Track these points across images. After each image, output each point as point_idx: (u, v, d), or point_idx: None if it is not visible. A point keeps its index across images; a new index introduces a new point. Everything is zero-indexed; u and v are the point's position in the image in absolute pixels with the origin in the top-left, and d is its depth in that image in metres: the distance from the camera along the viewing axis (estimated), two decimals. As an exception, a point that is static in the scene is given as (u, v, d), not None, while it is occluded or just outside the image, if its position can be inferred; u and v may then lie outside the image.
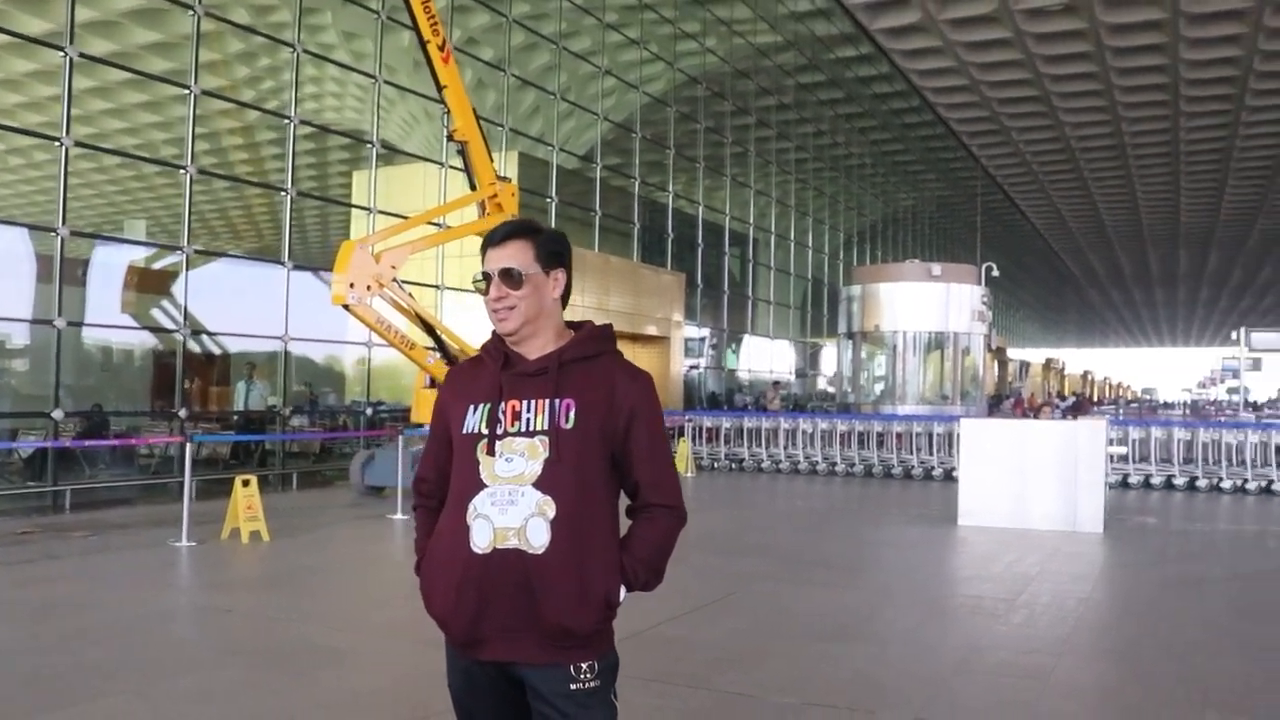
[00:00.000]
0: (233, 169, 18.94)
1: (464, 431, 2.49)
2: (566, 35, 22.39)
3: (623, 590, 2.47)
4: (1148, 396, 63.22)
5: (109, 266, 16.39)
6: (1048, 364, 58.57)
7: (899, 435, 18.68)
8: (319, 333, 16.81)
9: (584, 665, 2.41)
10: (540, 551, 2.35)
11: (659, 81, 26.18)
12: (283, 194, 16.08)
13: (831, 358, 36.59)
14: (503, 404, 2.46)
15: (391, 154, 18.10)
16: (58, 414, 12.28)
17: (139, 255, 17.51)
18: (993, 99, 33.66)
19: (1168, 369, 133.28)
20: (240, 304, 16.58)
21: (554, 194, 21.45)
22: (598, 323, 2.63)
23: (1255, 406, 36.64)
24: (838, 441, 19.09)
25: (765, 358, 32.27)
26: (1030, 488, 11.74)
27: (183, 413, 14.04)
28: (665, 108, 26.29)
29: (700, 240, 27.71)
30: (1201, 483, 16.55)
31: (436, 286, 18.33)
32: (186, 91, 14.48)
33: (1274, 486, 16.20)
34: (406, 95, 18.81)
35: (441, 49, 14.49)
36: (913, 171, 44.05)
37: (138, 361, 16.65)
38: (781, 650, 6.25)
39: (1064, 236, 56.64)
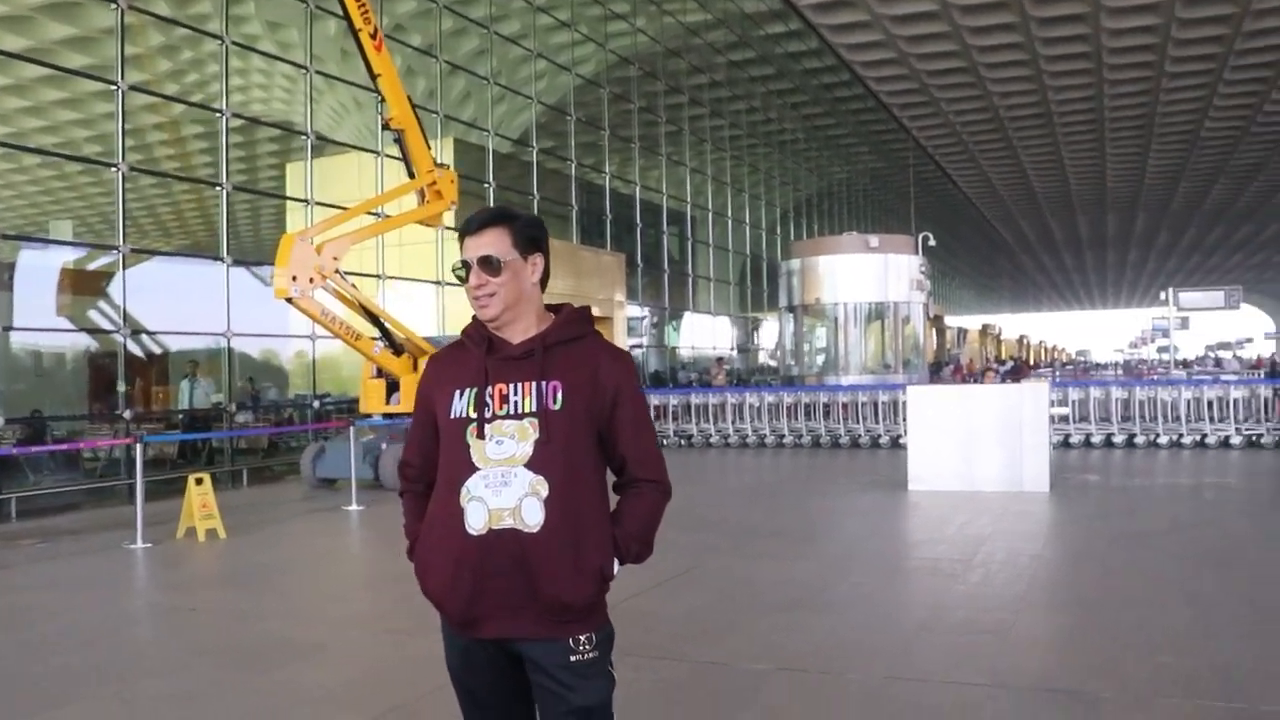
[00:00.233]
0: (158, 165, 18.62)
1: (451, 416, 2.53)
2: (496, 19, 22.27)
3: (615, 563, 2.54)
4: (1082, 358, 64.45)
5: (37, 269, 16.08)
6: (984, 330, 59.46)
7: (845, 405, 18.93)
8: (256, 327, 16.60)
9: (582, 638, 2.48)
10: (535, 530, 2.41)
11: (590, 63, 26.14)
12: (218, 189, 15.82)
13: (770, 332, 36.88)
14: (489, 388, 2.51)
15: (323, 144, 17.91)
16: (-2, 421, 12.08)
17: (69, 256, 17.21)
18: (921, 71, 33.98)
19: (1100, 330, 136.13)
20: (177, 302, 16.34)
21: (491, 179, 21.36)
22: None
23: (1185, 364, 37.49)
24: (785, 414, 19.29)
25: (707, 334, 32.44)
26: (977, 451, 11.99)
27: (127, 414, 13.83)
28: (598, 89, 26.27)
29: (639, 220, 27.75)
30: (1139, 439, 17.00)
31: (378, 276, 18.20)
32: (112, 87, 14.14)
33: (1207, 440, 16.67)
34: (335, 85, 18.60)
35: (374, 37, 14.36)
36: (845, 145, 44.39)
37: (70, 365, 16.37)
38: (748, 619, 6.37)
39: (995, 204, 57.44)
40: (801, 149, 41.20)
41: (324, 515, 11.86)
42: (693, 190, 31.44)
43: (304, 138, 17.38)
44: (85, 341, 16.65)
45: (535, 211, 22.59)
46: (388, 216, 16.07)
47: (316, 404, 17.08)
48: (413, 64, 20.39)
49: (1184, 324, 31.41)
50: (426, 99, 19.87)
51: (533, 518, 2.41)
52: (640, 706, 4.54)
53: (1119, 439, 17.12)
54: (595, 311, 23.90)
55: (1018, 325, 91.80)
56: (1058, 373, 37.81)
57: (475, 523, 2.43)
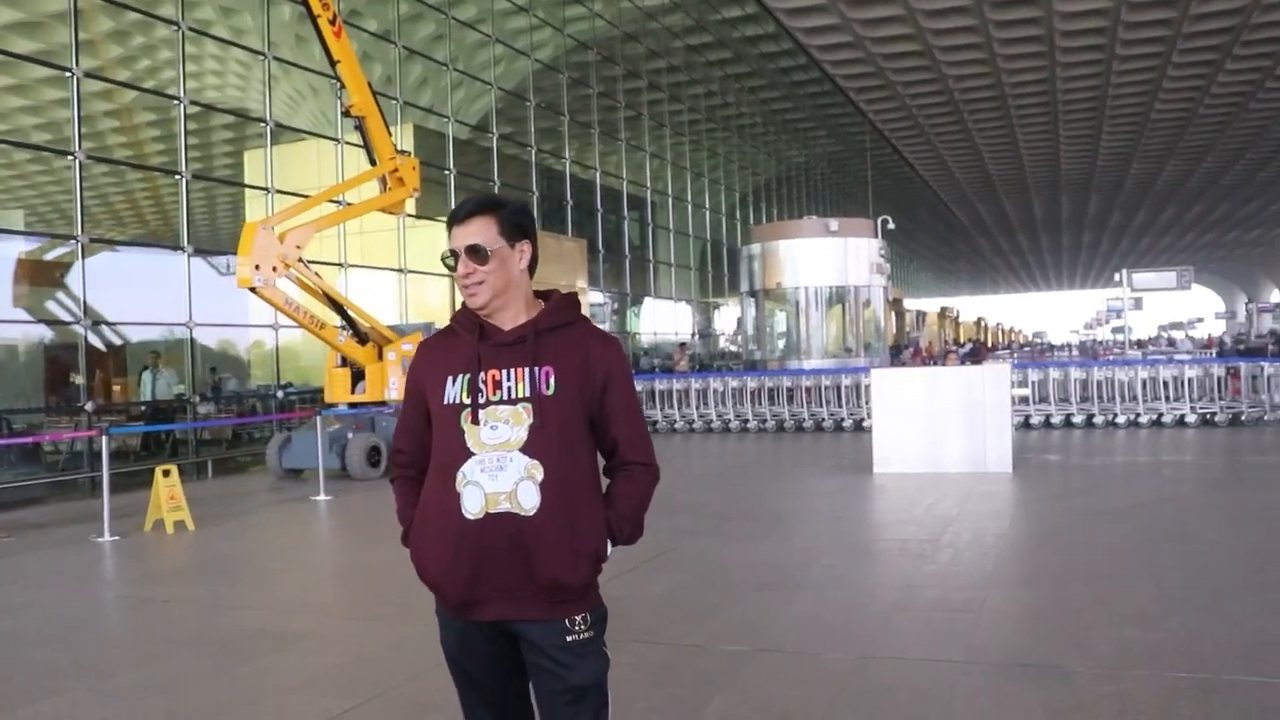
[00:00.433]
0: (110, 153, 18.37)
1: (445, 402, 2.57)
2: (453, 4, 22.15)
3: (609, 544, 2.60)
4: (1039, 339, 65.21)
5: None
6: (943, 312, 59.93)
7: (808, 389, 19.08)
8: (216, 317, 16.44)
9: (578, 618, 2.54)
10: (532, 513, 2.46)
11: (548, 48, 26.07)
12: (176, 177, 15.65)
13: (729, 317, 37.02)
14: (483, 374, 2.55)
15: (280, 132, 17.75)
16: (-43, 415, 11.92)
17: (22, 246, 16.96)
18: (877, 55, 34.16)
19: (1056, 312, 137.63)
20: (135, 292, 16.18)
21: (451, 166, 21.28)
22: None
23: (1140, 344, 38.05)
24: (748, 399, 19.41)
25: (668, 320, 32.53)
26: (941, 433, 12.16)
27: (89, 406, 13.69)
28: (557, 74, 26.21)
29: (599, 205, 27.75)
30: (1098, 419, 17.28)
31: (340, 264, 18.10)
32: (66, 74, 13.93)
33: (1163, 419, 16.98)
34: (290, 71, 18.43)
35: (333, 23, 14.29)
36: (803, 129, 44.56)
37: (22, 357, 16.16)
38: (724, 602, 6.45)
39: (952, 187, 57.91)
40: (759, 133, 41.32)
41: (292, 505, 11.83)
42: (652, 175, 31.47)
43: (261, 125, 17.22)
44: (38, 333, 16.44)
45: (496, 198, 22.56)
46: (350, 204, 15.99)
47: (280, 394, 16.98)
48: (369, 49, 20.26)
49: (1138, 304, 31.86)
50: (384, 85, 19.75)
51: (529, 501, 2.46)
52: (621, 689, 4.55)
53: (1078, 419, 17.39)
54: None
55: (975, 307, 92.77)
56: (1015, 354, 38.24)
57: (472, 507, 2.47)
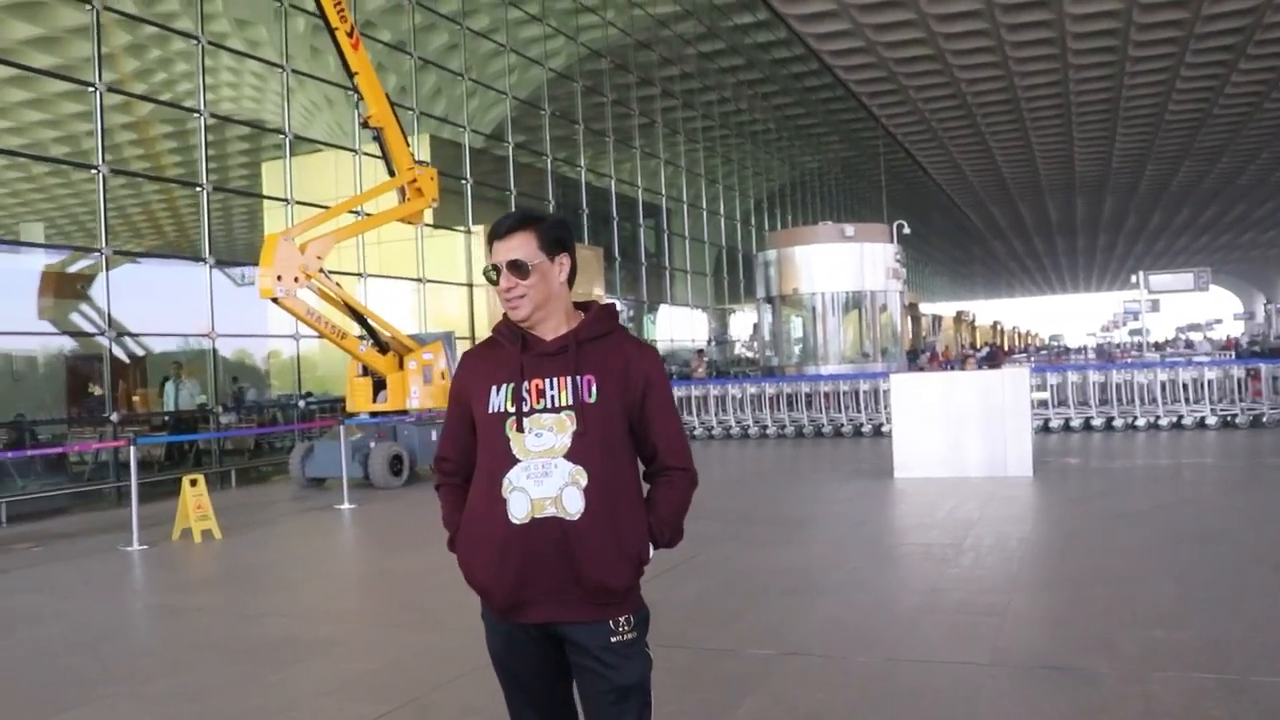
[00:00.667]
0: (127, 165, 18.54)
1: (490, 411, 2.64)
2: (466, 14, 22.27)
3: (650, 547, 2.68)
4: (1055, 343, 65.00)
5: (12, 273, 16.01)
6: (958, 316, 59.82)
7: (826, 395, 19.11)
8: (235, 328, 16.55)
9: (621, 619, 2.61)
10: (576, 517, 2.53)
11: (561, 56, 26.18)
12: (197, 189, 15.78)
13: (743, 323, 37.03)
14: (526, 383, 2.62)
15: (297, 143, 17.87)
16: (-15, 426, 12.05)
17: (44, 259, 17.13)
18: (889, 59, 34.19)
19: (1072, 315, 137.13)
20: (156, 303, 16.33)
21: (468, 175, 21.38)
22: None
23: (1157, 346, 37.90)
24: (767, 404, 19.45)
25: (684, 326, 32.57)
26: (960, 437, 12.16)
27: (114, 417, 13.81)
28: (570, 82, 26.32)
29: (615, 213, 27.83)
30: (1117, 422, 17.25)
31: (359, 274, 18.20)
32: (89, 89, 14.07)
33: (1183, 421, 16.95)
34: (305, 82, 18.56)
35: (350, 35, 14.41)
36: (816, 134, 44.58)
37: (42, 368, 16.31)
38: (750, 606, 6.50)
39: (966, 191, 57.83)
40: (773, 139, 41.37)
41: (316, 514, 11.92)
42: (666, 182, 31.55)
43: (279, 136, 17.35)
44: (57, 344, 16.58)
45: (513, 207, 22.68)
46: (369, 215, 16.10)
47: (301, 404, 17.10)
48: (383, 60, 20.40)
49: (1154, 306, 31.71)
50: (399, 95, 19.87)
51: (574, 506, 2.53)
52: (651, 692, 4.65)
53: (1097, 422, 17.36)
54: (575, 305, 24.01)
55: (992, 311, 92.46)
56: (1032, 358, 38.14)
57: (518, 512, 2.54)
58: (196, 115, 15.61)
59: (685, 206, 32.95)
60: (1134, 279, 29.30)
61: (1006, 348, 60.16)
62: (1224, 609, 5.98)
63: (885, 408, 17.15)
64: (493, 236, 2.70)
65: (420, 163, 15.39)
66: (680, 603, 6.52)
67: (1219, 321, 60.01)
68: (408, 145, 15.20)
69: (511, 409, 2.61)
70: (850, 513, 10.46)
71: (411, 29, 20.54)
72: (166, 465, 15.36)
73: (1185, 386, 17.37)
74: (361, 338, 14.20)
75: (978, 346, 47.80)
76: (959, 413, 12.27)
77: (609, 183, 27.81)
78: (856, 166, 49.45)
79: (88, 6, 14.07)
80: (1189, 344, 41.28)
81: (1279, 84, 36.28)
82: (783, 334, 25.43)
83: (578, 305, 2.78)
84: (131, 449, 10.27)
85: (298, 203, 16.99)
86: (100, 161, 13.90)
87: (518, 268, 2.64)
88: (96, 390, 16.21)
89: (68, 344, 16.83)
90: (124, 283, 14.76)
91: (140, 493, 10.07)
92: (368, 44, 18.81)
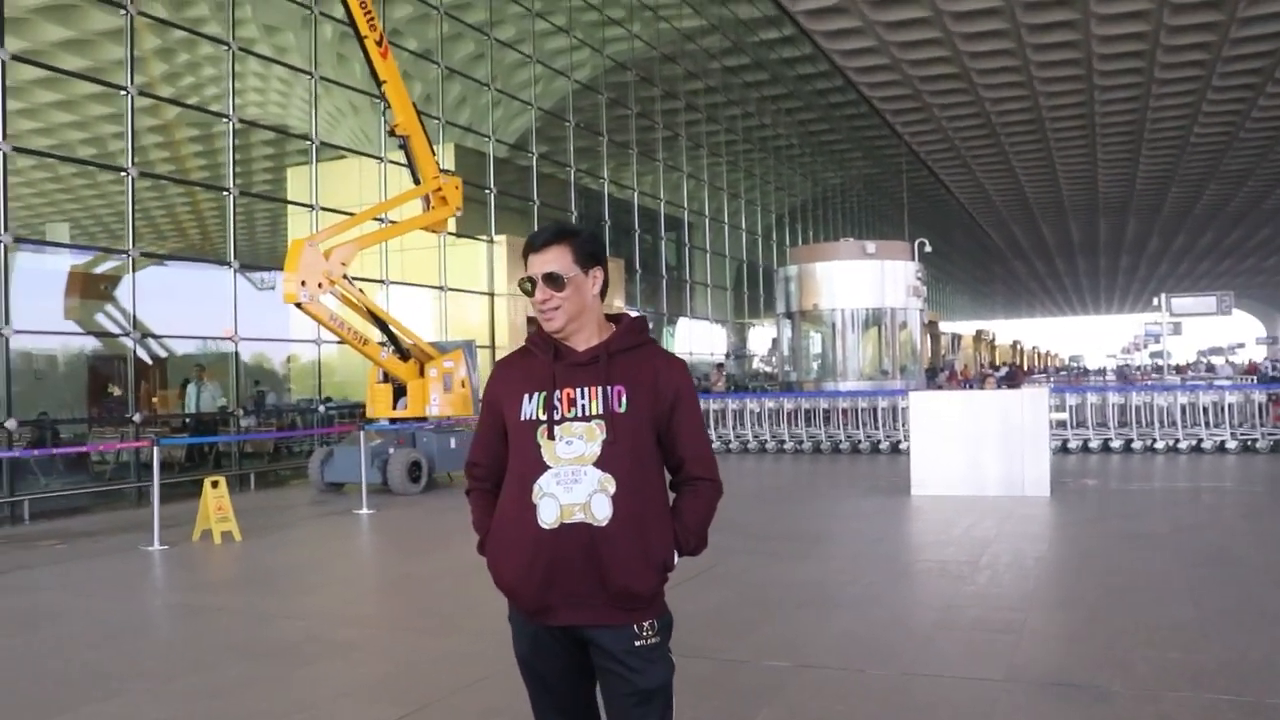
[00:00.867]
0: (152, 168, 18.70)
1: (522, 419, 2.70)
2: (493, 24, 22.40)
3: (675, 555, 2.73)
4: (1075, 364, 64.78)
5: (35, 272, 16.14)
6: (978, 335, 59.72)
7: (845, 411, 19.11)
8: (256, 332, 16.64)
9: (645, 624, 2.66)
10: (605, 524, 2.59)
11: (587, 68, 26.31)
12: (224, 193, 15.93)
13: (761, 337, 37.04)
14: (558, 392, 2.68)
15: (321, 149, 18.00)
16: (11, 424, 12.16)
17: (70, 259, 17.27)
18: (914, 77, 34.24)
19: (1092, 336, 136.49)
20: (179, 306, 16.44)
21: (492, 185, 21.50)
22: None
23: (1179, 369, 37.75)
24: (785, 420, 19.47)
25: (703, 340, 32.61)
26: (978, 456, 12.16)
27: (137, 417, 13.94)
28: (595, 94, 26.45)
29: (636, 225, 27.92)
30: (1136, 444, 17.20)
31: (381, 281, 18.33)
32: (121, 92, 14.23)
33: (1203, 445, 16.88)
34: (331, 89, 18.68)
35: (380, 44, 14.53)
36: (839, 151, 44.62)
37: (62, 368, 16.45)
38: (768, 618, 6.54)
39: (988, 210, 57.74)
40: (796, 154, 41.41)
41: (335, 519, 12.00)
42: (688, 196, 31.63)
43: (303, 142, 17.50)
44: (78, 344, 16.71)
45: (536, 217, 22.80)
46: (393, 222, 16.21)
47: (321, 409, 17.21)
48: (409, 68, 20.54)
49: (1176, 329, 31.63)
50: (424, 103, 19.98)
51: (602, 512, 2.59)
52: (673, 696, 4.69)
53: (1116, 444, 17.32)
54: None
55: (1011, 331, 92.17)
56: (1051, 378, 38.02)
57: (548, 517, 2.60)
58: (225, 120, 15.76)
59: (707, 220, 33.02)
60: (1156, 301, 29.22)
61: (1026, 368, 59.98)
62: (1241, 631, 5.98)
63: (903, 425, 17.15)
64: (528, 249, 2.77)
65: (445, 171, 15.50)
66: (698, 614, 6.55)
67: (1241, 345, 59.75)
68: (433, 154, 15.32)
69: (543, 417, 2.67)
70: (867, 529, 10.48)
71: (439, 38, 20.70)
72: (187, 467, 15.49)
73: (1205, 410, 17.30)
74: (383, 344, 14.30)
75: (997, 366, 47.67)
76: (977, 431, 12.27)
77: (631, 195, 27.91)
78: (879, 183, 49.46)
79: (121, 11, 14.24)
80: (1210, 367, 41.10)
81: (1306, 108, 36.16)
82: (802, 349, 25.44)
83: (609, 317, 2.84)
84: (154, 450, 10.36)
85: (323, 209, 17.10)
86: (130, 164, 14.05)
87: (553, 280, 2.71)
88: (116, 391, 16.36)
89: (88, 344, 16.97)
90: (147, 285, 14.88)
91: (160, 493, 10.16)
92: (394, 52, 19.00)
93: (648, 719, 2.64)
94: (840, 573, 8.04)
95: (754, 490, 14.28)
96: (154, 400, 17.17)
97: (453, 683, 5.37)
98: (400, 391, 14.60)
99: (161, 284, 15.98)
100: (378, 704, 5.06)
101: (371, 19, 14.30)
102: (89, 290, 16.19)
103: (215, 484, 10.15)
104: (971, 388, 26.17)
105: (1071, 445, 17.41)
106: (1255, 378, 31.92)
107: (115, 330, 15.17)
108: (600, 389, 2.67)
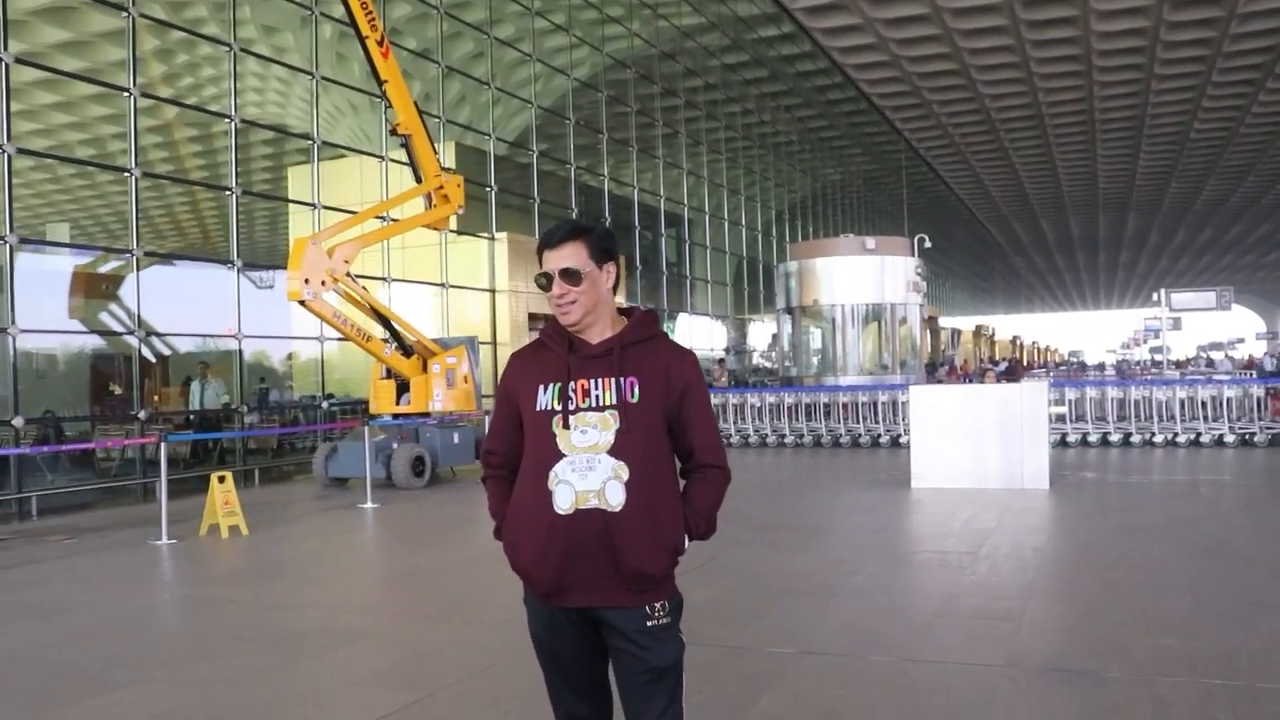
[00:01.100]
0: (151, 168, 18.77)
1: (538, 409, 2.81)
2: (492, 23, 22.45)
3: (686, 539, 2.84)
4: (1075, 359, 64.86)
5: (36, 272, 16.21)
6: (978, 331, 59.74)
7: (845, 406, 19.21)
8: (258, 330, 16.68)
9: (657, 605, 2.78)
10: (618, 509, 2.69)
11: (586, 66, 26.37)
12: (227, 193, 16.01)
13: (761, 333, 37.11)
14: (573, 383, 2.78)
15: (322, 148, 18.06)
16: (18, 421, 12.26)
17: (72, 259, 17.37)
18: (913, 74, 34.31)
19: (1092, 331, 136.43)
20: (180, 304, 16.52)
21: (493, 182, 21.57)
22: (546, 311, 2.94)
23: (1178, 365, 37.81)
24: (786, 414, 19.57)
25: (704, 336, 32.70)
26: (978, 449, 12.26)
27: (142, 414, 14.04)
28: (595, 92, 26.52)
29: (636, 222, 28.00)
30: (1135, 438, 17.30)
31: (383, 279, 18.42)
32: (123, 94, 14.29)
33: (1201, 439, 16.97)
34: (330, 88, 18.74)
35: (381, 44, 14.63)
36: (838, 147, 44.68)
37: (62, 367, 16.53)
38: (770, 607, 6.64)
39: (988, 206, 57.82)
40: (795, 151, 41.48)
41: (340, 513, 12.10)
42: (688, 192, 31.70)
43: (303, 142, 17.57)
44: (78, 343, 16.78)
45: (537, 215, 22.89)
46: (395, 220, 16.30)
47: (324, 405, 17.30)
48: (409, 67, 20.60)
49: (1176, 324, 31.67)
50: (424, 102, 20.02)
51: (615, 498, 2.69)
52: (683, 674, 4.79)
53: (1115, 438, 17.41)
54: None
55: (1011, 326, 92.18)
56: (1051, 373, 38.11)
57: (563, 503, 2.70)
58: (227, 120, 15.83)
59: (706, 216, 33.10)
60: (1155, 296, 29.26)
61: (1026, 362, 60.04)
62: (1236, 621, 6.07)
63: (903, 419, 17.25)
64: (544, 246, 2.87)
65: (446, 169, 15.59)
66: (699, 603, 6.64)
67: (1241, 341, 59.79)
68: (435, 152, 15.41)
69: (559, 407, 2.77)
70: (868, 521, 10.58)
71: (439, 36, 20.77)
72: (192, 463, 15.58)
73: (1204, 404, 17.40)
74: (386, 341, 14.40)
75: (997, 361, 47.76)
76: (977, 425, 12.37)
77: (631, 192, 28.00)
78: (878, 179, 49.53)
79: (122, 14, 14.31)
80: (1209, 363, 41.17)
81: (1306, 104, 36.22)
82: (802, 345, 25.52)
83: (620, 311, 2.94)
84: (162, 445, 10.46)
85: (325, 207, 17.18)
86: (133, 164, 14.13)
87: (570, 275, 2.81)
88: (117, 389, 16.46)
89: (89, 344, 17.04)
90: (150, 284, 14.96)
91: (168, 489, 10.25)
92: (394, 51, 19.07)
93: (659, 696, 2.75)
94: (841, 563, 8.13)
95: (756, 483, 14.38)
96: (156, 398, 17.25)
97: (461, 670, 5.47)
98: (403, 387, 14.70)
99: (164, 283, 16.06)
100: (387, 691, 5.15)
101: (372, 19, 14.39)
102: (92, 290, 16.28)
103: (222, 479, 10.25)
104: (971, 382, 26.25)
105: (1070, 439, 17.51)
106: (1254, 372, 32.02)
107: (119, 329, 15.25)
108: (614, 380, 2.77)
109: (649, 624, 2.75)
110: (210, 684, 5.37)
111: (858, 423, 18.88)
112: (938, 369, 32.82)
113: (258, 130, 19.13)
